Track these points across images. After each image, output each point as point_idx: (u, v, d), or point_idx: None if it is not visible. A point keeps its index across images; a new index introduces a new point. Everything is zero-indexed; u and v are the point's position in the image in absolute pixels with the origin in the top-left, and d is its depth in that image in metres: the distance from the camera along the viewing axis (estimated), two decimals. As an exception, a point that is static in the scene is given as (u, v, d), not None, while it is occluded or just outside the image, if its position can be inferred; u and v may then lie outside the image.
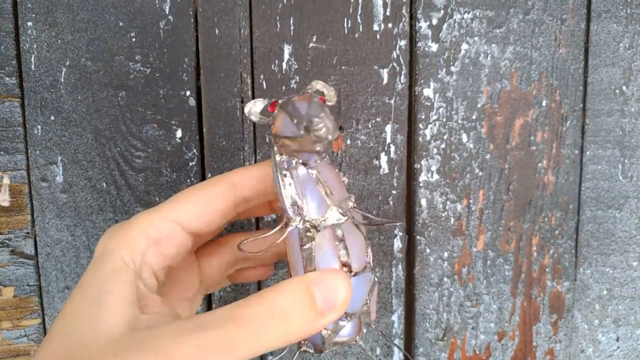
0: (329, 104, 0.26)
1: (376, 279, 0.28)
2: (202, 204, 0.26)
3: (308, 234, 0.24)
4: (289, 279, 0.23)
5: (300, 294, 0.22)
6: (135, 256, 0.24)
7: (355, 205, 0.26)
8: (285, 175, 0.24)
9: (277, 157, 0.24)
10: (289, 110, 0.23)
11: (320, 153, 0.23)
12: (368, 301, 0.26)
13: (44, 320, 0.36)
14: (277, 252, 0.31)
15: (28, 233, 0.35)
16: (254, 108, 0.25)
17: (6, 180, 0.35)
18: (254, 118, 0.25)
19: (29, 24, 0.33)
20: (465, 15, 0.37)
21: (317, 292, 0.22)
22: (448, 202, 0.38)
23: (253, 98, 0.36)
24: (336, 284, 0.22)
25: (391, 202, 0.38)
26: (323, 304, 0.22)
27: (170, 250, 0.25)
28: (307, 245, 0.24)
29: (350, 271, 0.25)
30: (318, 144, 0.22)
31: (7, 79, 0.34)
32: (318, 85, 0.26)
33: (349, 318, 0.26)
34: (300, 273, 0.25)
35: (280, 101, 0.24)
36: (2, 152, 0.34)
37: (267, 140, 0.36)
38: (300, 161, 0.24)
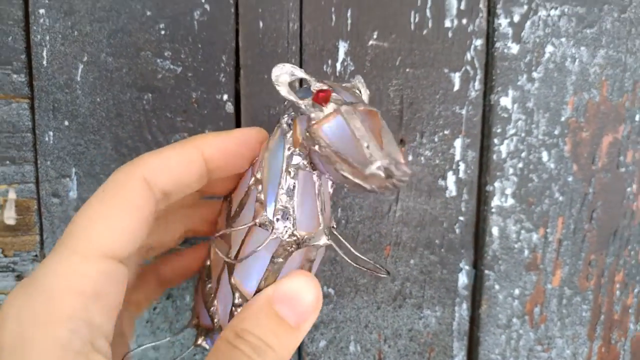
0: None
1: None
2: (121, 219, 0.18)
3: (288, 248, 0.20)
4: (249, 304, 0.20)
5: (267, 322, 0.19)
6: (79, 337, 0.16)
7: (335, 227, 0.22)
8: (290, 175, 0.20)
9: (287, 150, 0.19)
10: (355, 126, 0.17)
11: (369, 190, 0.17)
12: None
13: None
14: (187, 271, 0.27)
15: (36, 256, 0.29)
16: (281, 77, 0.18)
17: (12, 195, 0.29)
18: (283, 91, 0.18)
19: (41, 11, 0.27)
20: (552, 12, 0.30)
21: (285, 310, 0.19)
22: (523, 231, 0.31)
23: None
24: (301, 289, 0.19)
25: (457, 230, 0.31)
26: (294, 318, 0.19)
27: (115, 297, 0.18)
28: (280, 260, 0.20)
29: None
30: (382, 188, 0.17)
31: (15, 76, 0.28)
32: (359, 82, 0.21)
33: None
34: (254, 281, 0.21)
35: (333, 94, 0.18)
36: (7, 162, 0.28)
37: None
38: (310, 165, 0.19)
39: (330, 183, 0.21)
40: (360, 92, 0.21)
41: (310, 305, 0.19)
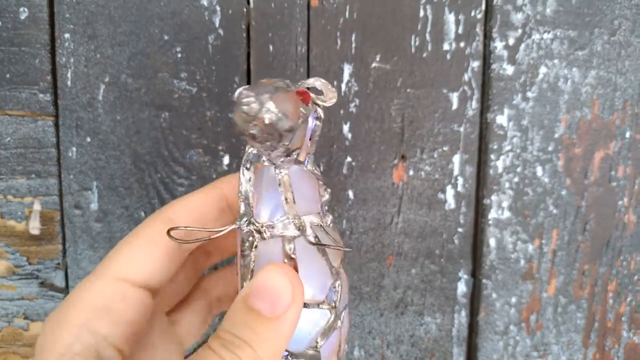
0: (324, 104, 0.21)
1: (341, 325, 0.21)
2: (141, 250, 0.21)
3: (250, 239, 0.20)
4: (231, 306, 0.19)
5: (242, 317, 0.18)
6: (80, 342, 0.18)
7: (324, 224, 0.21)
8: (247, 169, 0.20)
9: (248, 149, 0.21)
10: (243, 93, 0.18)
11: (256, 137, 0.18)
12: (318, 345, 0.21)
13: (71, 358, 0.32)
14: None
15: (59, 264, 0.31)
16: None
17: (37, 207, 0.30)
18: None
19: (67, 35, 0.29)
20: (545, 35, 0.31)
21: (258, 302, 0.18)
22: (519, 242, 0.33)
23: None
24: (270, 277, 0.18)
25: (456, 241, 0.32)
26: (270, 308, 0.18)
27: (127, 314, 0.20)
28: (247, 253, 0.20)
29: None
30: (250, 125, 0.17)
31: (41, 95, 0.30)
32: (317, 82, 0.21)
33: (289, 357, 0.21)
34: (239, 285, 0.21)
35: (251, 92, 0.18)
36: (33, 176, 0.30)
37: (321, 170, 0.31)
38: (267, 160, 0.20)
39: (309, 178, 0.21)
40: (320, 91, 0.21)
41: (284, 292, 0.18)
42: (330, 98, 0.21)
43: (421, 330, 0.33)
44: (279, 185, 0.20)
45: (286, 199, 0.20)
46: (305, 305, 0.20)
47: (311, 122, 0.20)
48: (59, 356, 0.18)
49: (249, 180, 0.21)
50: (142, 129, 0.30)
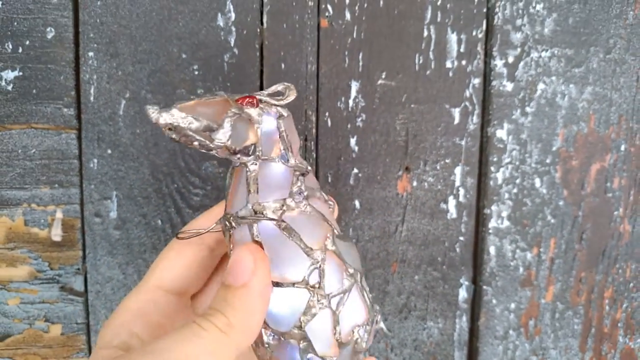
0: (279, 103, 0.23)
1: (333, 306, 0.22)
2: (171, 262, 0.24)
3: (227, 224, 0.22)
4: None
5: (220, 294, 0.21)
6: (118, 338, 0.22)
7: (283, 207, 0.22)
8: (229, 174, 0.23)
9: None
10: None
11: (177, 140, 0.21)
12: (302, 324, 0.22)
13: None
14: None
15: (79, 269, 0.33)
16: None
17: (59, 215, 0.32)
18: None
19: (90, 54, 0.31)
20: (543, 54, 0.33)
21: (229, 278, 0.21)
22: (518, 251, 0.34)
23: (317, 135, 0.33)
24: (235, 253, 0.21)
25: (458, 249, 0.34)
26: (237, 279, 0.20)
27: (157, 316, 0.23)
28: (228, 242, 0.22)
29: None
30: (166, 131, 0.21)
31: (65, 110, 0.31)
32: (280, 87, 0.24)
33: (281, 338, 0.22)
34: None
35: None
36: (56, 185, 0.32)
37: (329, 181, 0.33)
38: (238, 162, 0.23)
39: (274, 169, 0.23)
40: (282, 94, 0.24)
41: (245, 261, 0.20)
42: (287, 96, 0.23)
43: (424, 334, 0.34)
44: (245, 179, 0.22)
45: (249, 190, 0.22)
46: (279, 284, 0.21)
47: (271, 121, 0.22)
48: (101, 349, 0.22)
49: (227, 181, 0.23)
50: (160, 142, 0.32)
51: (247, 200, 0.22)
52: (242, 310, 0.20)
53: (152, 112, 0.20)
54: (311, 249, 0.22)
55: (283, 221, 0.22)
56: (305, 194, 0.23)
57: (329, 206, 0.24)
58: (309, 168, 0.24)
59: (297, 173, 0.23)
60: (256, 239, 0.22)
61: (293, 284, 0.21)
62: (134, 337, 0.22)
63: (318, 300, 0.22)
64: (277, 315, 0.21)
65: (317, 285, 0.22)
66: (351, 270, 0.23)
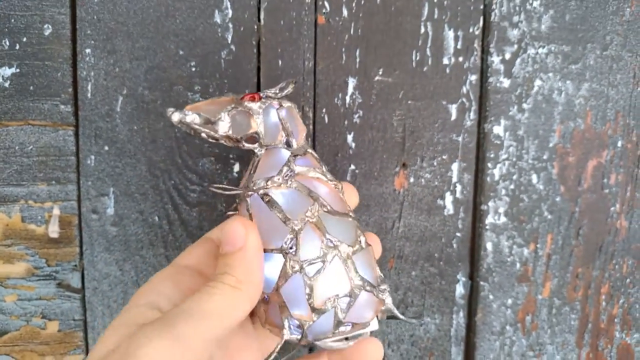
0: (278, 94, 0.26)
1: (298, 273, 0.24)
2: (199, 248, 0.26)
3: (236, 202, 0.26)
4: None
5: (221, 261, 0.23)
6: (145, 298, 0.24)
7: (268, 185, 0.25)
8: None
9: None
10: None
11: (192, 134, 0.25)
12: (279, 287, 0.24)
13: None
14: None
15: (76, 266, 0.33)
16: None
17: (56, 211, 0.32)
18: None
19: (88, 50, 0.31)
20: (540, 50, 0.33)
21: (226, 247, 0.23)
22: (514, 247, 0.34)
23: (314, 132, 0.33)
24: (227, 223, 0.23)
25: (455, 245, 0.34)
26: (233, 245, 0.23)
27: (185, 282, 0.25)
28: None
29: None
30: (183, 127, 0.25)
31: (63, 106, 0.31)
32: (282, 84, 0.27)
33: (269, 299, 0.24)
34: None
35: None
36: (53, 182, 0.32)
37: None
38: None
39: (270, 155, 0.26)
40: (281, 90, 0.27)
41: (237, 229, 0.23)
42: (285, 89, 0.26)
43: (421, 330, 0.35)
44: (252, 164, 0.26)
45: (250, 172, 0.26)
46: (264, 250, 0.24)
47: (271, 112, 0.25)
48: (130, 308, 0.23)
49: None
50: (157, 139, 0.32)
51: (247, 179, 0.26)
52: (245, 268, 0.23)
53: (169, 112, 0.24)
54: (289, 219, 0.24)
55: (267, 195, 0.25)
56: (296, 172, 0.25)
57: (334, 185, 0.26)
58: (309, 150, 0.26)
59: (292, 156, 0.26)
60: (249, 210, 0.25)
61: (272, 250, 0.24)
62: (161, 296, 0.23)
63: (292, 266, 0.24)
64: (265, 279, 0.24)
65: (292, 252, 0.24)
66: (335, 242, 0.24)
